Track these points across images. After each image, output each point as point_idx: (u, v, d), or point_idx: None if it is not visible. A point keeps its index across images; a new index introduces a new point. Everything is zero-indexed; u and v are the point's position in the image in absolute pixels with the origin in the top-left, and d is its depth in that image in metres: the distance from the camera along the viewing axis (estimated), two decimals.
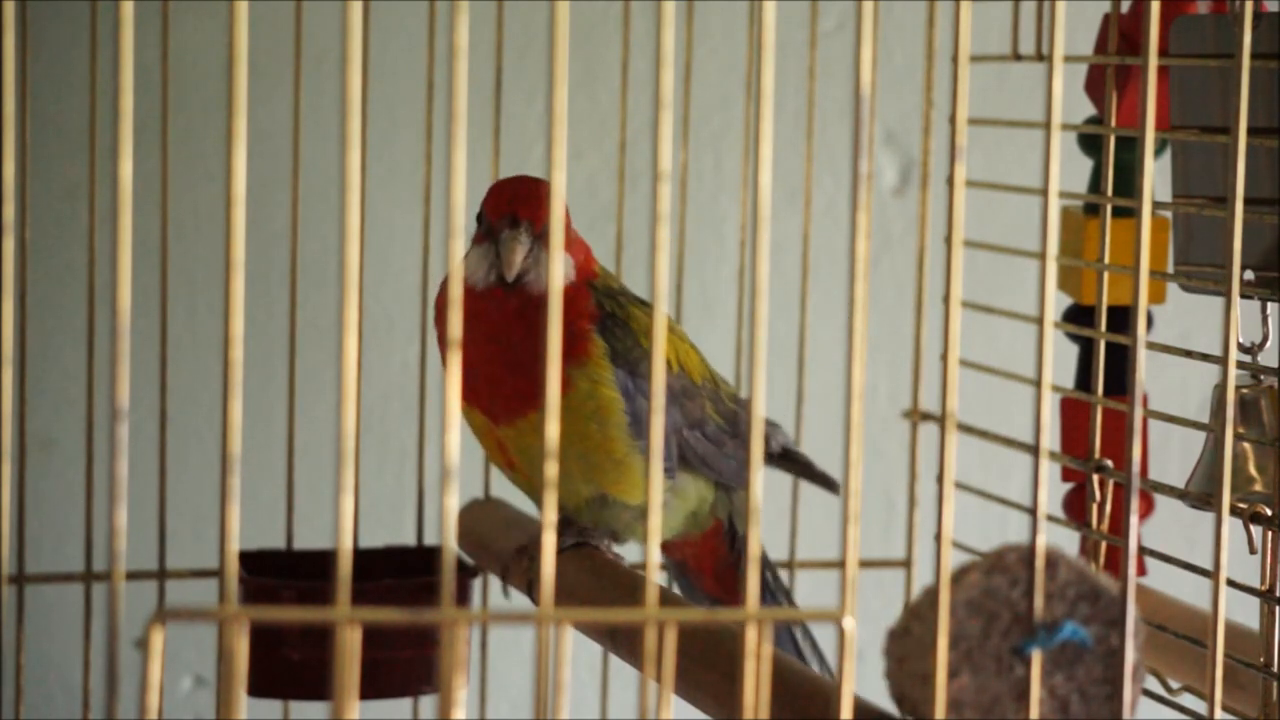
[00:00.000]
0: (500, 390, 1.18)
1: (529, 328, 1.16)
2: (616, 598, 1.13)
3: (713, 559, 1.26)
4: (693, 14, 1.44)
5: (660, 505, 0.80)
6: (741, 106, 1.63)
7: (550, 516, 0.77)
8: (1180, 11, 1.18)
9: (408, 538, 1.58)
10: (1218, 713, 0.89)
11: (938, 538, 0.82)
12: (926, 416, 1.35)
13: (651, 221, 0.77)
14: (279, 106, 1.50)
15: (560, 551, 1.19)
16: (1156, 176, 1.19)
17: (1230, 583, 0.95)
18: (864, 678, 0.89)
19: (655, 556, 0.79)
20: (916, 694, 0.83)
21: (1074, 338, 1.28)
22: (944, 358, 0.83)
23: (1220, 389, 1.06)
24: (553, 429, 0.77)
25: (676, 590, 1.31)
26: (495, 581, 1.34)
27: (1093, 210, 1.25)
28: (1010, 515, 1.53)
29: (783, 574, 1.44)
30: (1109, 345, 1.17)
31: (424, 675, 1.28)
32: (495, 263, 1.16)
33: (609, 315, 1.19)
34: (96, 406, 1.33)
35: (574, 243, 1.20)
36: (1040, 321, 0.82)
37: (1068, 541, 1.15)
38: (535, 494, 1.23)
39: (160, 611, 0.75)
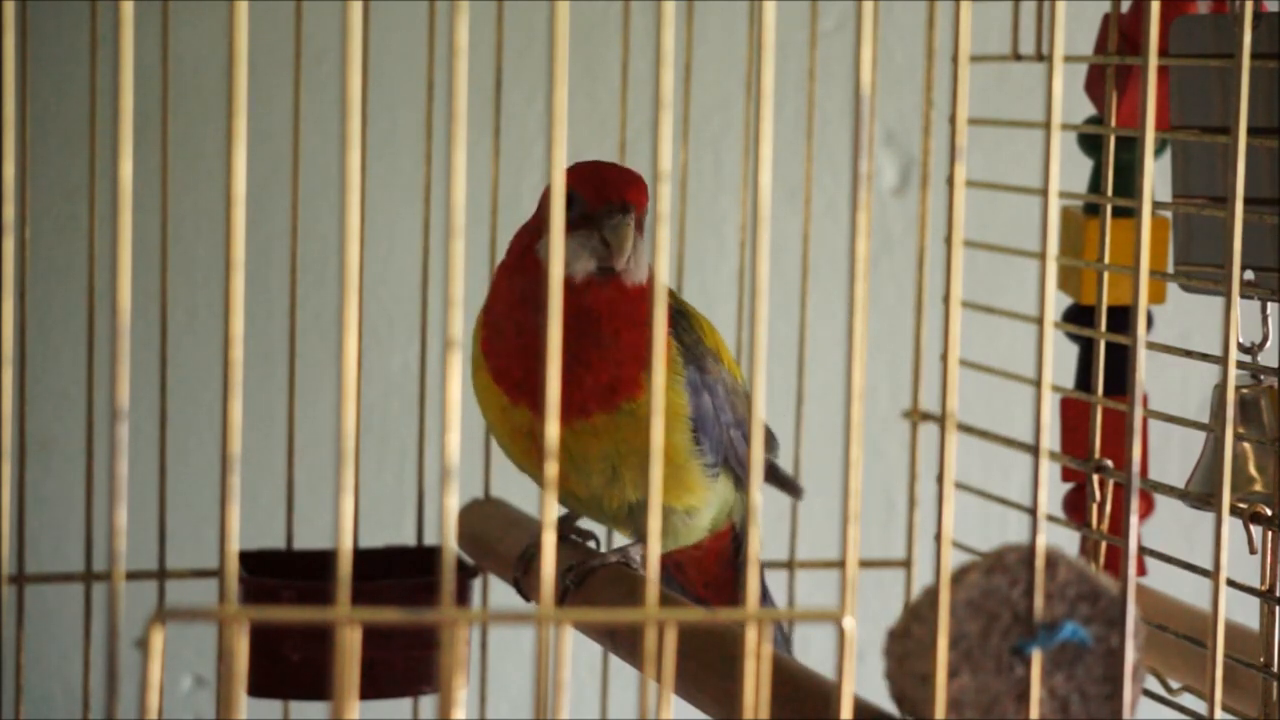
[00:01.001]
0: (569, 387, 1.11)
1: (623, 321, 1.11)
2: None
3: (715, 563, 1.24)
4: (693, 14, 1.44)
5: (659, 505, 0.79)
6: (741, 106, 1.63)
7: (550, 516, 0.77)
8: (1180, 11, 1.18)
9: (408, 538, 1.58)
10: (1218, 713, 0.89)
11: (938, 538, 0.82)
12: (926, 416, 1.35)
13: (652, 221, 0.77)
14: (279, 106, 1.50)
15: (600, 568, 1.15)
16: (1156, 176, 1.19)
17: (1230, 583, 0.95)
18: (864, 678, 0.89)
19: (656, 556, 0.79)
20: (916, 694, 0.83)
21: (1074, 338, 1.28)
22: (944, 358, 0.83)
23: (1220, 389, 1.06)
24: (552, 428, 0.77)
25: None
26: (495, 581, 1.34)
27: (1093, 210, 1.25)
28: (1010, 515, 1.53)
29: (783, 574, 1.44)
30: (1109, 345, 1.17)
31: (424, 675, 1.28)
32: (597, 249, 1.09)
33: (678, 312, 1.16)
34: (96, 406, 1.33)
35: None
36: (1040, 321, 0.82)
37: (1068, 541, 1.15)
38: (570, 498, 1.18)
39: (160, 611, 0.75)
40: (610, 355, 1.11)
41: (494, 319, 1.15)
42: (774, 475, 1.28)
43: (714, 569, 1.24)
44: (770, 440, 1.26)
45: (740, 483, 1.19)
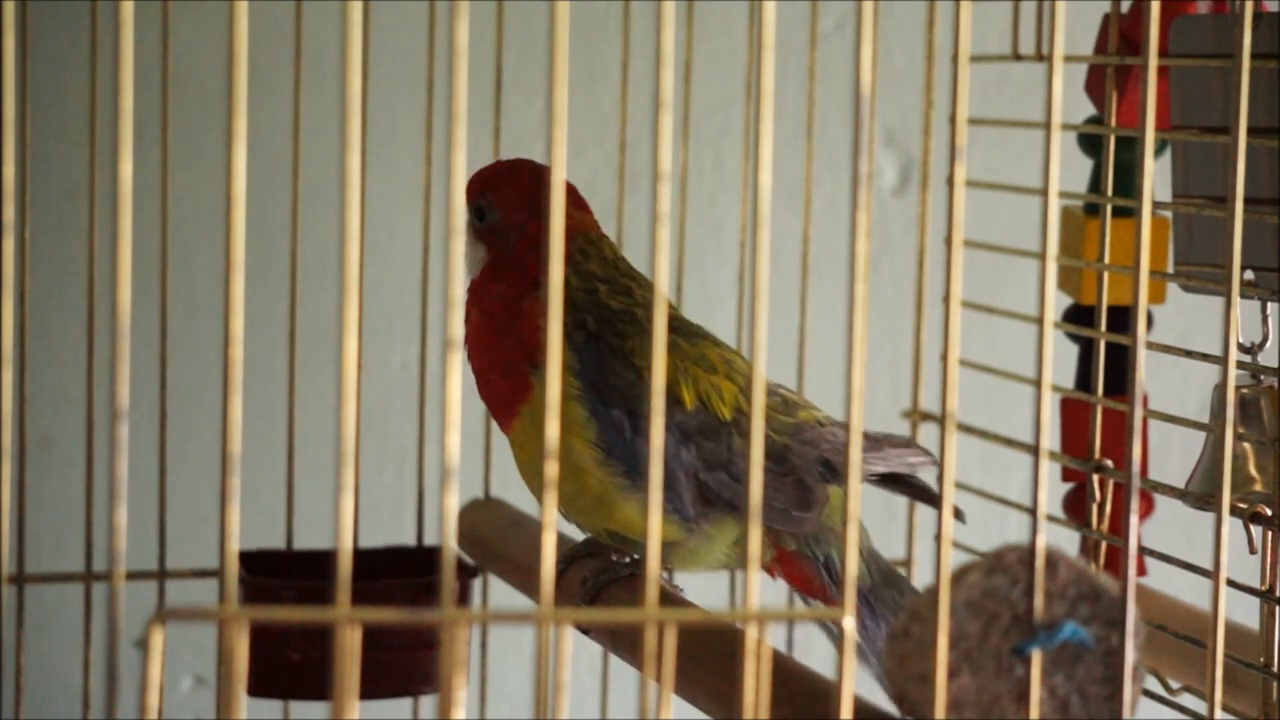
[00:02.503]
0: (485, 393, 1.13)
1: (485, 325, 1.13)
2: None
3: (804, 582, 1.16)
4: (693, 14, 1.44)
5: (659, 504, 0.79)
6: (741, 106, 1.63)
7: (550, 516, 0.77)
8: (1180, 11, 1.18)
9: (408, 538, 1.58)
10: (1218, 713, 0.89)
11: (938, 538, 0.82)
12: (926, 416, 1.35)
13: (651, 221, 0.77)
14: (279, 106, 1.50)
15: (616, 580, 1.12)
16: (1156, 176, 1.19)
17: (1230, 583, 0.95)
18: (864, 678, 0.89)
19: (656, 556, 0.79)
20: (916, 694, 0.83)
21: (1074, 338, 1.28)
22: (944, 358, 0.83)
23: (1220, 389, 1.06)
24: (552, 428, 0.77)
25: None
26: (495, 581, 1.34)
27: (1093, 210, 1.25)
28: (1010, 515, 1.53)
29: None
30: (1109, 345, 1.17)
31: (424, 675, 1.28)
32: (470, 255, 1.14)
33: (582, 326, 1.11)
34: (96, 406, 1.33)
35: (518, 229, 1.13)
36: (1040, 321, 0.82)
37: (1068, 541, 1.15)
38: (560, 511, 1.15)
39: (160, 611, 0.75)
40: (498, 357, 1.11)
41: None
42: (924, 494, 1.19)
43: (811, 586, 1.17)
44: (889, 451, 1.18)
45: (737, 516, 1.11)
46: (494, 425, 1.31)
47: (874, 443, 1.17)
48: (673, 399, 1.10)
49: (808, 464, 1.13)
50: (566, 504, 1.12)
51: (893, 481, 1.18)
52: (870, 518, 1.70)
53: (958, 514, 1.14)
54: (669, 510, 1.10)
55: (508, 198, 1.13)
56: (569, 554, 1.16)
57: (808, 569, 1.15)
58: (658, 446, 0.79)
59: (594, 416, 1.09)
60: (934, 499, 1.17)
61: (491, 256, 1.13)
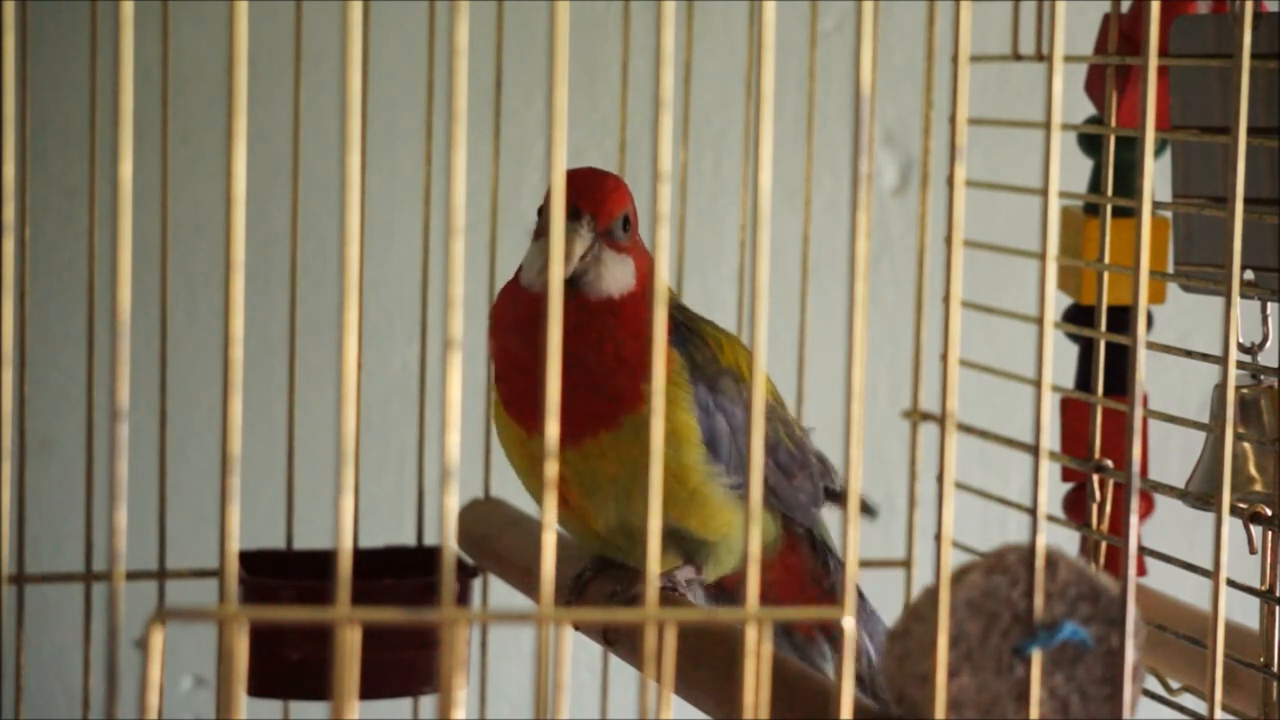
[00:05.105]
0: (568, 409, 1.05)
1: (595, 336, 1.06)
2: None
3: (798, 579, 1.17)
4: (693, 14, 1.44)
5: (659, 503, 0.79)
6: (741, 106, 1.63)
7: (550, 517, 0.77)
8: (1180, 11, 1.18)
9: (408, 538, 1.58)
10: (1218, 713, 0.89)
11: (938, 538, 0.82)
12: (926, 416, 1.35)
13: (652, 221, 0.77)
14: (279, 106, 1.50)
15: (629, 601, 1.09)
16: (1156, 176, 1.19)
17: (1230, 583, 0.95)
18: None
19: (655, 556, 0.79)
20: (916, 694, 0.83)
21: (1074, 338, 1.28)
22: (944, 358, 0.83)
23: (1220, 389, 1.06)
24: (553, 428, 0.77)
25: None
26: (495, 581, 1.34)
27: (1093, 210, 1.25)
28: (1010, 515, 1.53)
29: None
30: (1109, 345, 1.17)
31: (424, 675, 1.28)
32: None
33: (683, 325, 1.10)
34: (96, 406, 1.33)
35: (637, 248, 1.09)
36: (1040, 321, 0.82)
37: (1068, 541, 1.15)
38: (593, 538, 1.12)
39: (160, 611, 0.75)
40: (600, 368, 1.06)
41: (495, 349, 1.11)
42: (834, 498, 1.20)
43: (800, 584, 1.18)
44: (826, 469, 1.19)
45: (788, 514, 1.13)
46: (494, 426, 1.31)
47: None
48: (741, 379, 1.10)
49: (815, 461, 1.16)
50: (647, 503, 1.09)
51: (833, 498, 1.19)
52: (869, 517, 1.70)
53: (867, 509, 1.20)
54: (736, 495, 1.09)
55: (624, 206, 1.08)
56: (579, 576, 1.14)
57: (809, 562, 1.16)
58: (658, 447, 0.79)
59: (701, 416, 1.08)
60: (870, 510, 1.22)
61: (636, 267, 1.08)
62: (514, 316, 1.09)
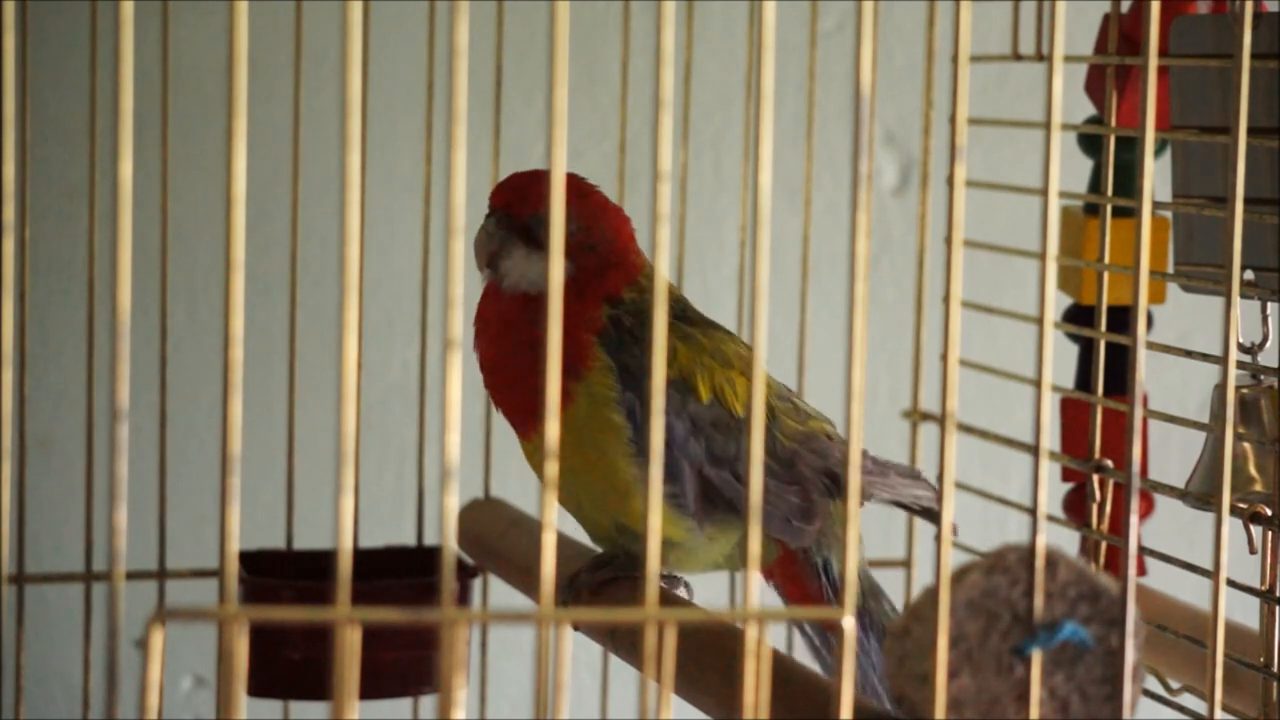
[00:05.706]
0: (508, 401, 1.11)
1: (513, 332, 1.10)
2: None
3: (802, 582, 1.16)
4: (693, 14, 1.44)
5: (659, 503, 0.79)
6: (741, 106, 1.63)
7: (549, 516, 0.77)
8: (1180, 11, 1.18)
9: (408, 538, 1.58)
10: (1218, 713, 0.89)
11: (938, 538, 0.82)
12: (926, 416, 1.35)
13: (651, 221, 0.77)
14: (279, 106, 1.50)
15: (597, 590, 1.11)
16: (1156, 176, 1.19)
17: (1230, 583, 0.95)
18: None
19: (655, 556, 0.79)
20: (916, 694, 0.83)
21: (1074, 338, 1.28)
22: (944, 358, 0.83)
23: (1220, 389, 1.06)
24: (552, 429, 0.77)
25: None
26: (495, 581, 1.34)
27: (1093, 210, 1.25)
28: (1010, 515, 1.53)
29: None
30: (1109, 345, 1.17)
31: (424, 675, 1.28)
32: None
33: (625, 330, 1.10)
34: (96, 406, 1.33)
35: (594, 249, 1.10)
36: (1040, 321, 0.82)
37: (1068, 541, 1.15)
38: (591, 538, 1.14)
39: (160, 611, 0.75)
40: (528, 365, 1.08)
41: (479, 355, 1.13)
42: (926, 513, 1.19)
43: (808, 589, 1.16)
44: (892, 477, 1.17)
45: (740, 520, 1.10)
46: (494, 425, 1.31)
47: (880, 468, 1.16)
48: (687, 390, 1.10)
49: (814, 474, 1.12)
50: (592, 498, 1.10)
51: (893, 502, 1.18)
52: (869, 517, 1.70)
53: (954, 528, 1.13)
54: (672, 503, 1.09)
55: (592, 212, 1.11)
56: (574, 576, 1.14)
57: (807, 572, 1.15)
58: (658, 448, 0.79)
59: (629, 420, 1.08)
60: (934, 515, 1.17)
61: (579, 270, 1.10)
62: (480, 314, 1.13)
